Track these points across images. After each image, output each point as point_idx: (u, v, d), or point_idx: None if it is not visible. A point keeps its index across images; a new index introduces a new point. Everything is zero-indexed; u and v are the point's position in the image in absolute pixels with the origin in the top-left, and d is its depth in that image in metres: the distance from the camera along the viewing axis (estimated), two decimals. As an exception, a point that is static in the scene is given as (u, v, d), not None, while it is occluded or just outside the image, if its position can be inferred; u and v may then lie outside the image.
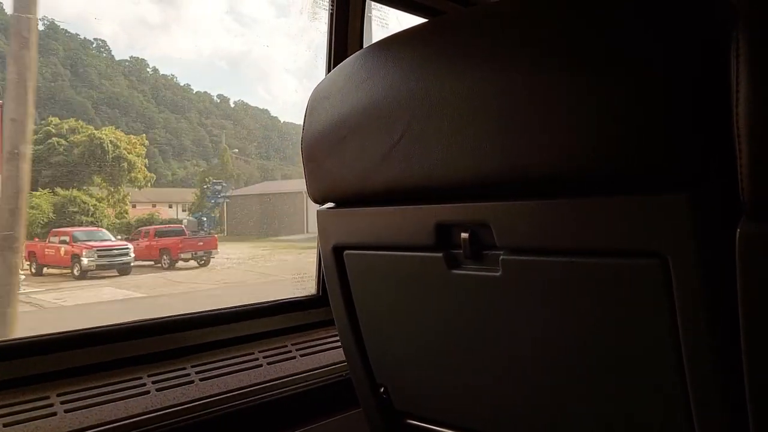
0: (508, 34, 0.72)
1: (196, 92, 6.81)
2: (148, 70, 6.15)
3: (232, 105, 7.10)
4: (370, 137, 0.87)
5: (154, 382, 1.27)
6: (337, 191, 0.98)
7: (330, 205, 1.04)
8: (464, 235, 0.82)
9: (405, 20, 1.90)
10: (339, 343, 1.13)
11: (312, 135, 0.98)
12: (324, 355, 1.55)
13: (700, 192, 0.61)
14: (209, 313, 1.49)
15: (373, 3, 1.77)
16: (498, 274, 0.80)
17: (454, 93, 0.76)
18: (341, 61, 0.97)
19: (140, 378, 1.27)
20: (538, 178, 0.71)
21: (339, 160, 0.93)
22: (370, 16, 1.81)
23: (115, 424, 1.14)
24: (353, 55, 0.94)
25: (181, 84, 6.58)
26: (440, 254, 0.86)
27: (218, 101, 6.97)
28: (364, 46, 1.61)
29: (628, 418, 0.74)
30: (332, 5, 1.66)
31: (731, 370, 0.63)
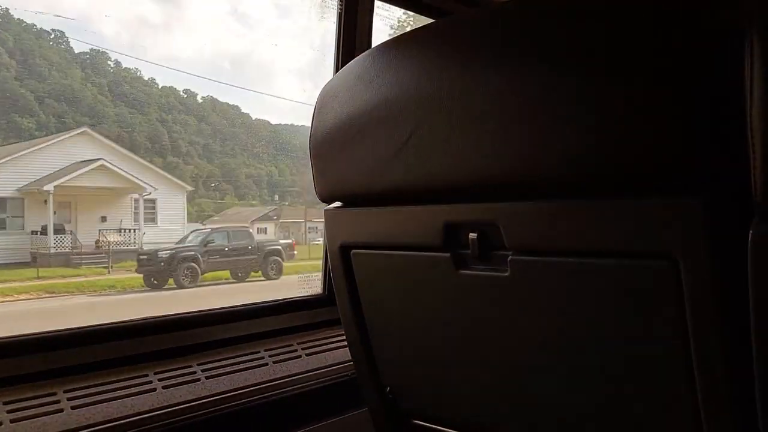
0: (518, 36, 0.72)
1: (161, 87, 6.58)
2: (109, 63, 5.94)
3: (200, 100, 6.88)
4: (378, 137, 0.87)
5: (160, 380, 1.27)
6: (344, 190, 0.97)
7: (337, 204, 1.04)
8: (472, 235, 0.82)
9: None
10: (345, 343, 1.13)
11: (320, 134, 0.98)
12: (330, 354, 1.55)
13: (712, 194, 0.61)
14: (216, 311, 1.50)
15: (380, 2, 1.77)
16: (506, 274, 0.79)
17: (463, 93, 0.76)
18: (349, 61, 0.97)
19: (146, 375, 1.27)
20: (548, 179, 0.70)
21: (347, 159, 0.93)
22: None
23: (121, 421, 1.14)
24: (362, 54, 0.94)
25: (146, 78, 6.36)
26: (448, 254, 0.86)
27: (184, 96, 6.75)
28: (373, 46, 1.61)
29: (636, 419, 0.73)
30: (341, 4, 1.66)
31: (741, 372, 0.62)
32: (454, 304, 0.88)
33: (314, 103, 1.02)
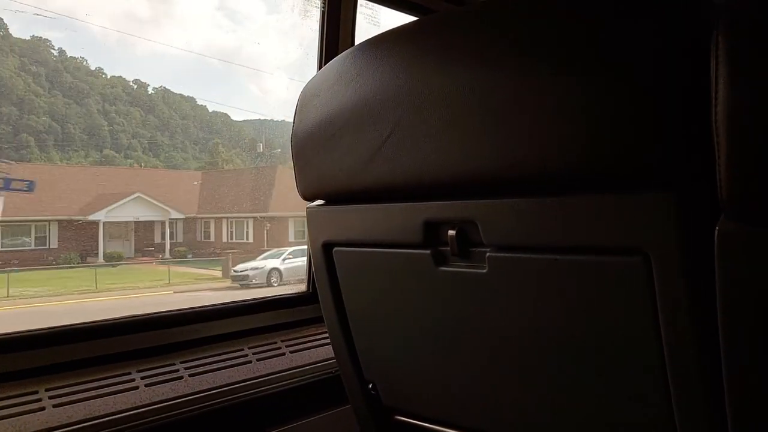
0: (498, 34, 0.73)
1: (110, 77, 6.29)
2: (52, 51, 5.65)
3: (151, 91, 6.61)
4: (359, 135, 0.87)
5: (143, 378, 1.27)
6: (326, 188, 0.98)
7: (319, 202, 1.04)
8: (451, 232, 0.83)
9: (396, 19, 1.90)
10: (328, 340, 1.14)
11: (302, 132, 0.98)
12: (313, 351, 1.55)
13: (682, 191, 0.62)
14: (199, 309, 1.49)
15: (364, 1, 1.77)
16: (484, 270, 0.80)
17: (443, 91, 0.77)
18: (333, 59, 0.97)
19: (129, 373, 1.27)
20: (525, 176, 0.71)
21: (328, 157, 0.93)
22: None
23: (103, 419, 1.14)
24: (344, 52, 0.94)
25: (92, 68, 6.10)
26: (428, 251, 0.87)
27: (134, 87, 6.47)
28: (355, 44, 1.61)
29: (611, 413, 0.75)
30: (324, 3, 1.66)
31: (712, 365, 0.64)
32: (434, 300, 0.89)
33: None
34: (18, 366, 1.18)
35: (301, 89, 1.01)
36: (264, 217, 6.68)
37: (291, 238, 6.74)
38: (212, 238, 6.55)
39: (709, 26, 0.58)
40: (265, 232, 6.66)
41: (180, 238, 6.36)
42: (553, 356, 0.78)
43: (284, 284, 6.07)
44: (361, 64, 0.88)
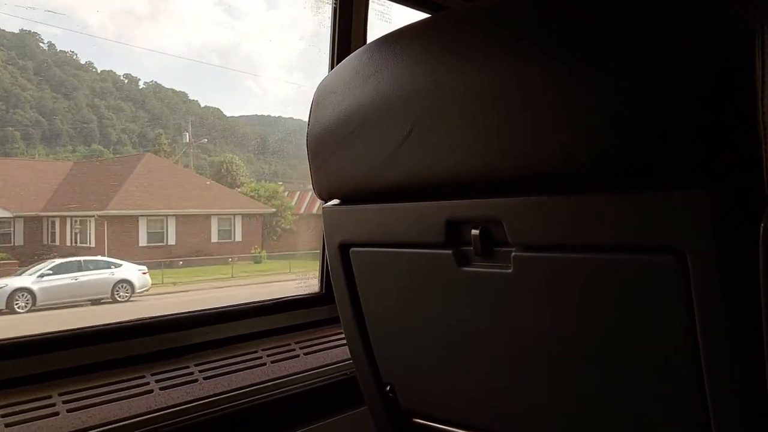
0: (519, 28, 0.71)
1: (100, 71, 6.21)
2: (41, 45, 5.58)
3: (141, 86, 6.51)
4: (378, 132, 0.86)
5: (157, 381, 1.26)
6: (343, 188, 0.96)
7: (336, 201, 1.03)
8: (475, 231, 0.81)
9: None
10: (344, 341, 1.12)
11: (318, 130, 0.97)
12: (328, 353, 1.54)
13: (721, 188, 0.60)
14: (212, 311, 1.49)
15: (375, -2, 1.76)
16: (509, 271, 0.78)
17: (464, 88, 0.75)
18: (345, 56, 0.96)
19: (143, 377, 1.26)
20: (552, 173, 0.69)
21: (346, 156, 0.92)
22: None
23: (118, 424, 1.13)
24: (359, 49, 0.92)
25: (83, 62, 5.99)
26: (450, 251, 0.85)
27: (125, 81, 6.36)
28: (368, 41, 1.60)
29: (643, 415, 0.73)
30: (335, 0, 1.64)
31: (750, 366, 0.62)
32: (455, 301, 0.88)
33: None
34: (31, 370, 1.17)
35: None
36: (102, 216, 5.45)
37: (143, 242, 5.57)
38: (58, 241, 5.44)
39: (748, 18, 0.56)
40: (105, 234, 5.36)
41: (19, 241, 5.24)
42: (581, 358, 0.76)
43: (37, 310, 4.37)
44: (378, 61, 0.86)
